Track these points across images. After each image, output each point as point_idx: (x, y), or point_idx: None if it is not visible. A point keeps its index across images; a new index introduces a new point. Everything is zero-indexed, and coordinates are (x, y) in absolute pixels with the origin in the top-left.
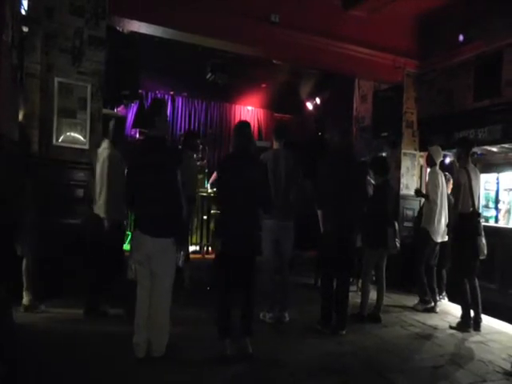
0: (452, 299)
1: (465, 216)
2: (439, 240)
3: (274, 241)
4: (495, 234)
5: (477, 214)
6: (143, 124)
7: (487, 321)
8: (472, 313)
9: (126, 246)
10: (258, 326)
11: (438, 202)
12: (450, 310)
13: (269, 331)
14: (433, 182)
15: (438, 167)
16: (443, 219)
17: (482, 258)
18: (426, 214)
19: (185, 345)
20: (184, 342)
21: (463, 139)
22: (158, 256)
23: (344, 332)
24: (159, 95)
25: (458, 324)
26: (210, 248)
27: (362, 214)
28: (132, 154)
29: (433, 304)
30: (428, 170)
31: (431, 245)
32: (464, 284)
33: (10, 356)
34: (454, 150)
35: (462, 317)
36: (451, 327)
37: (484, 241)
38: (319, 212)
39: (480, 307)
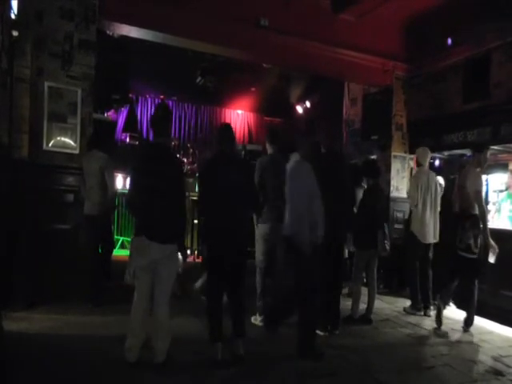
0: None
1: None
2: (427, 241)
3: (268, 244)
4: None
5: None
6: (156, 130)
7: (478, 321)
8: (465, 314)
9: (118, 251)
10: (250, 329)
11: (420, 203)
12: (445, 313)
13: (260, 334)
14: (412, 185)
15: (425, 168)
16: (431, 220)
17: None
18: (411, 215)
19: (176, 348)
20: (175, 346)
21: (476, 145)
22: (164, 261)
23: (337, 332)
24: (149, 99)
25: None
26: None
27: (352, 217)
28: (136, 159)
29: (422, 313)
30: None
31: (420, 246)
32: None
33: None
34: (445, 153)
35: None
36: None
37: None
38: None
39: (474, 309)
